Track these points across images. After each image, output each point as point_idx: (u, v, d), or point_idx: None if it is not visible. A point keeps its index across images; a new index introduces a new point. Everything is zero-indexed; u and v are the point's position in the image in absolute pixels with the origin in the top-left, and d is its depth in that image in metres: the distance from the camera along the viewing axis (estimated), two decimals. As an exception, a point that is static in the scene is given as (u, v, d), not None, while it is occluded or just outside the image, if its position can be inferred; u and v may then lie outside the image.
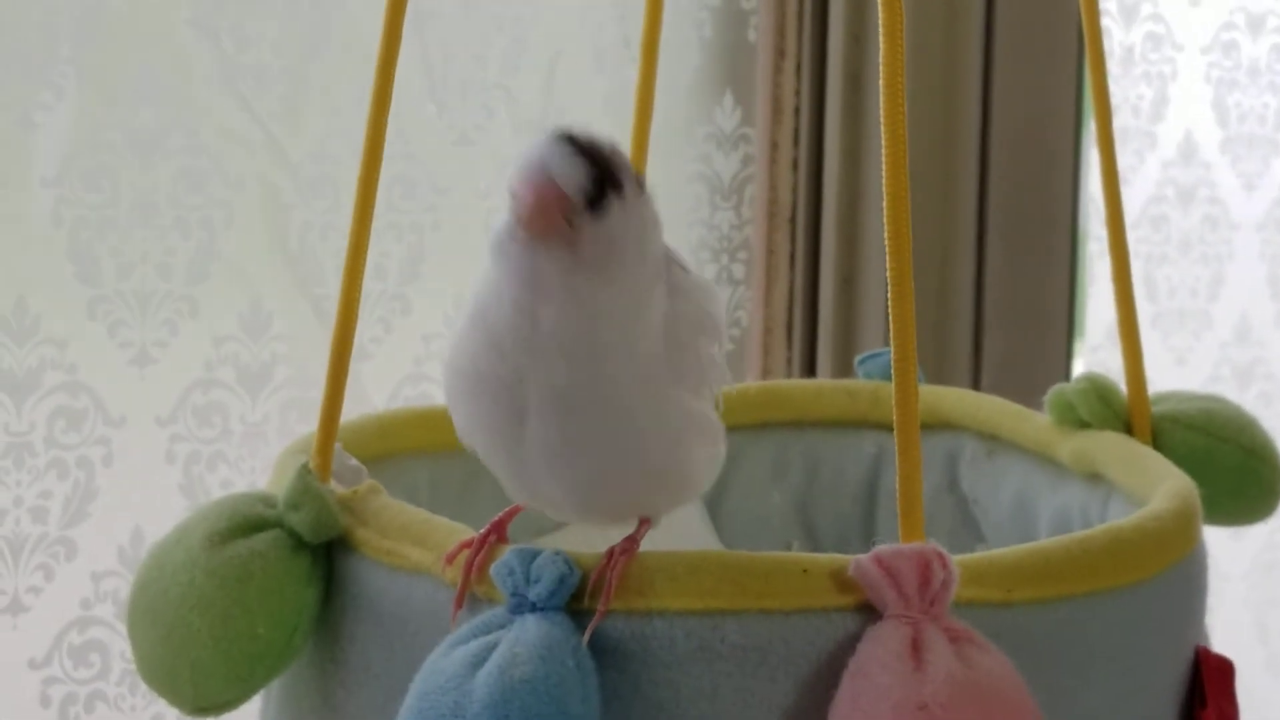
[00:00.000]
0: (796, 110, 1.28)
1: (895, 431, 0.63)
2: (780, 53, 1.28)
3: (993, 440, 0.90)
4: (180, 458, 1.07)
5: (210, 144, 1.06)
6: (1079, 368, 1.36)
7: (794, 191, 1.28)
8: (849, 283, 1.28)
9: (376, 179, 0.73)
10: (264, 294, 1.09)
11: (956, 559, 0.63)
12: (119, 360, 1.05)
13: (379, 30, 0.73)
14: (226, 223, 1.07)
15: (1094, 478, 0.83)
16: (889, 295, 0.64)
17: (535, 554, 0.63)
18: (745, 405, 0.94)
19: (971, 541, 0.90)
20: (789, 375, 1.28)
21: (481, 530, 0.66)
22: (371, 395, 1.12)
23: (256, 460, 1.09)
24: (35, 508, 1.03)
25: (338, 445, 0.74)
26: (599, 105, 1.20)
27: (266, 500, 0.71)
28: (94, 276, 1.03)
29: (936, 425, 0.90)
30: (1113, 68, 1.32)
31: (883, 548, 0.63)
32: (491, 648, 0.61)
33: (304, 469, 0.71)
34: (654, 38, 0.87)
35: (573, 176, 0.61)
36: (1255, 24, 1.45)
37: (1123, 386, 0.85)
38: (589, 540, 0.83)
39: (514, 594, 0.62)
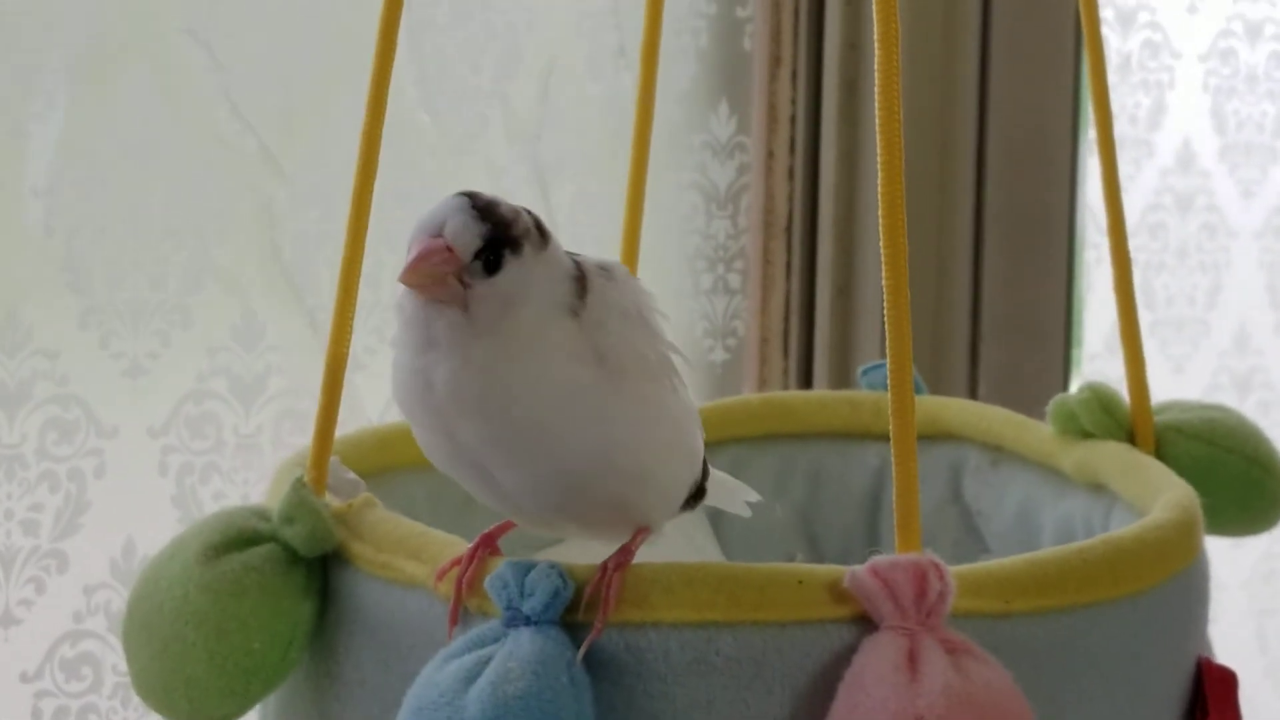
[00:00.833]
0: (792, 119, 1.28)
1: (892, 442, 0.63)
2: (776, 61, 1.28)
3: (996, 451, 0.90)
4: (173, 469, 1.07)
5: (203, 154, 1.06)
6: (1077, 377, 1.36)
7: (790, 200, 1.28)
8: (845, 292, 1.28)
9: (371, 188, 0.73)
10: (257, 304, 1.08)
11: (954, 570, 0.63)
12: (111, 371, 1.04)
13: (373, 39, 0.73)
14: (219, 233, 1.07)
15: (1097, 488, 0.83)
16: (885, 305, 0.63)
17: (529, 567, 0.63)
18: (748, 417, 0.94)
19: (976, 552, 0.90)
20: (785, 386, 1.28)
21: (471, 544, 0.66)
22: (366, 406, 1.12)
23: (250, 472, 1.08)
24: (26, 520, 1.02)
25: (334, 458, 0.73)
26: (594, 114, 1.20)
27: (261, 514, 0.71)
28: (86, 287, 1.03)
29: (939, 436, 0.90)
30: (1110, 76, 1.31)
31: (879, 559, 0.63)
32: (485, 662, 0.61)
33: (299, 482, 0.71)
34: (654, 45, 0.87)
35: (466, 237, 0.61)
36: (1253, 31, 1.45)
37: (1125, 396, 0.85)
38: (584, 553, 0.83)
39: (508, 607, 0.62)
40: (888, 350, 0.63)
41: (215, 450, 1.08)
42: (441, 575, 0.65)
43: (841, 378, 1.26)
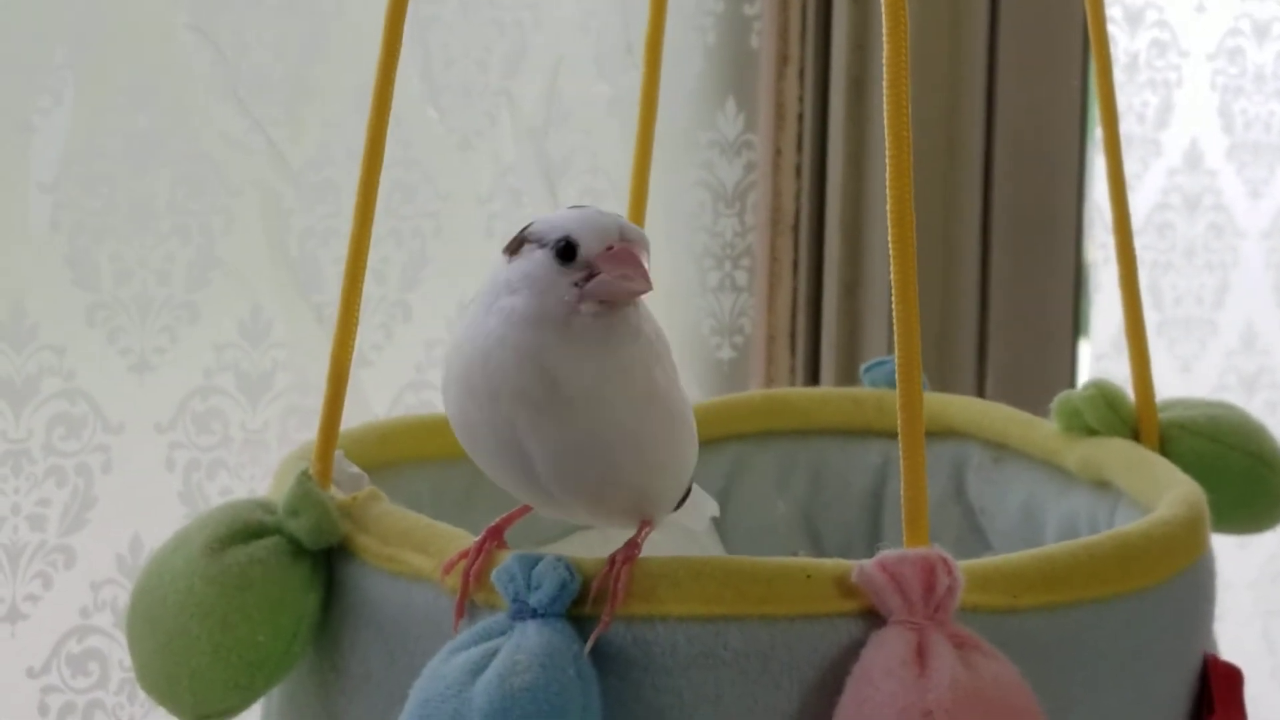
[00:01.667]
0: (800, 117, 1.28)
1: (900, 436, 0.63)
2: (783, 59, 1.28)
3: (999, 448, 0.90)
4: (180, 465, 1.07)
5: (210, 149, 1.06)
6: (1083, 376, 1.35)
7: (797, 198, 1.28)
8: (852, 290, 1.27)
9: (377, 184, 0.73)
10: (264, 300, 1.08)
11: (962, 564, 0.63)
12: (118, 367, 1.04)
13: (379, 35, 0.73)
14: (226, 229, 1.07)
15: (1102, 485, 0.83)
16: (893, 301, 0.63)
17: (536, 560, 0.63)
18: (750, 414, 0.94)
19: (979, 549, 0.90)
20: (792, 383, 1.28)
21: (478, 537, 0.66)
22: (372, 402, 1.12)
23: (256, 468, 1.08)
24: (33, 515, 1.02)
25: (338, 452, 0.74)
26: (601, 111, 1.20)
27: (266, 507, 0.71)
28: (93, 282, 1.03)
29: (943, 433, 0.90)
30: (1118, 75, 1.32)
31: (887, 553, 0.63)
32: (492, 655, 0.61)
33: (304, 475, 0.71)
34: (657, 43, 0.88)
35: (647, 246, 0.63)
36: (1261, 31, 1.45)
37: (1130, 393, 0.85)
38: (590, 547, 0.83)
39: (515, 600, 0.62)
40: (896, 344, 0.63)
41: (222, 446, 1.08)
42: (449, 568, 0.65)
43: (848, 375, 1.26)
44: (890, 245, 0.64)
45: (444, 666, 0.62)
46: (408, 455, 0.84)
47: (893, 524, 0.92)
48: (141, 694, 1.02)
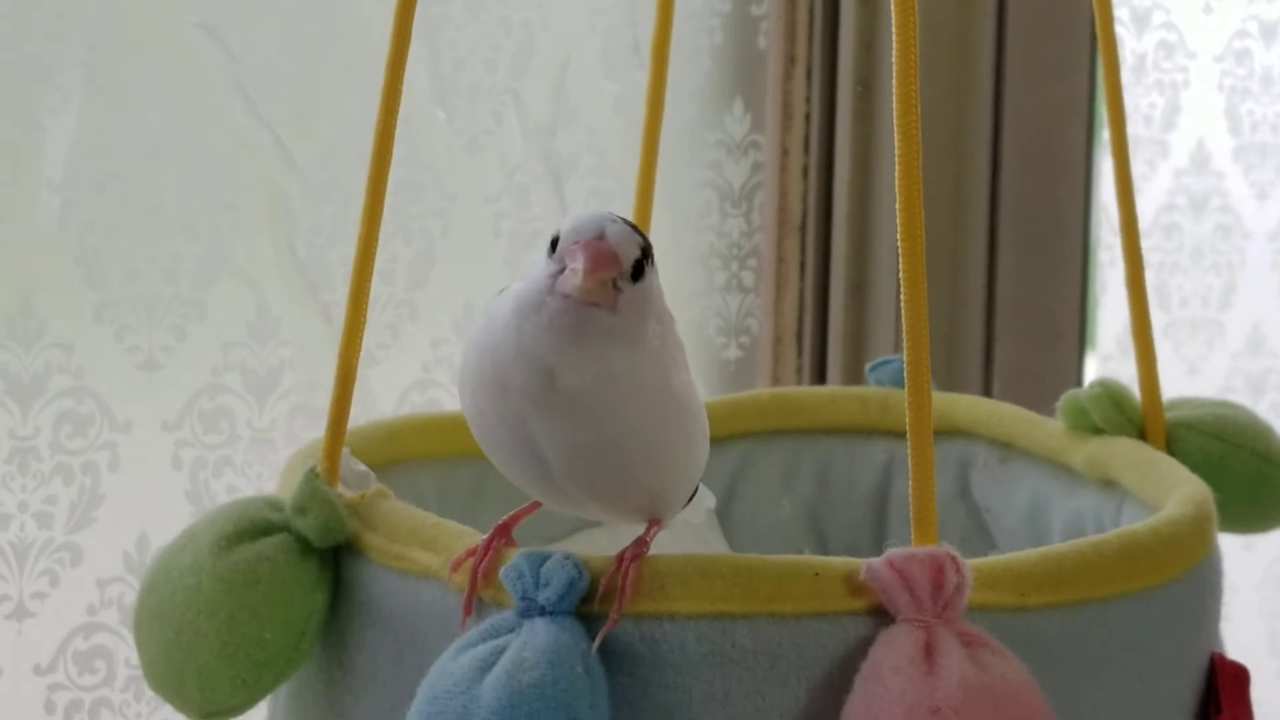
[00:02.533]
0: (807, 117, 1.28)
1: (908, 432, 0.63)
2: (791, 59, 1.28)
3: (1006, 447, 0.89)
4: (187, 463, 1.07)
5: (218, 149, 1.06)
6: (1089, 376, 1.35)
7: (804, 199, 1.28)
8: (859, 290, 1.28)
9: (385, 184, 0.73)
10: (271, 299, 1.09)
11: (970, 563, 0.63)
12: (125, 365, 1.04)
13: (387, 34, 0.73)
14: (234, 228, 1.07)
15: (1108, 484, 0.83)
16: (901, 296, 0.63)
17: (545, 557, 0.63)
18: (756, 413, 0.94)
19: (984, 549, 0.90)
20: (799, 383, 1.28)
21: (486, 535, 0.66)
22: (379, 401, 1.12)
23: (264, 466, 1.08)
24: (40, 513, 1.02)
25: (345, 450, 0.73)
26: (609, 111, 1.20)
27: (274, 505, 0.71)
28: (101, 281, 1.03)
29: (949, 432, 0.90)
30: (1125, 76, 1.32)
31: (895, 551, 0.63)
32: (500, 652, 0.61)
33: (311, 473, 0.71)
34: (664, 43, 0.88)
35: (629, 246, 0.62)
36: (1268, 32, 1.45)
37: (1136, 392, 0.85)
38: (598, 545, 0.83)
39: (523, 598, 0.62)
40: (905, 340, 0.63)
41: (229, 444, 1.08)
42: (456, 566, 0.65)
43: (855, 375, 1.26)
44: (899, 245, 0.64)
45: (451, 664, 0.61)
46: (415, 453, 0.84)
47: (898, 523, 0.92)
48: (148, 692, 1.03)
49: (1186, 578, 0.70)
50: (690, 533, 0.88)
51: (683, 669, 0.62)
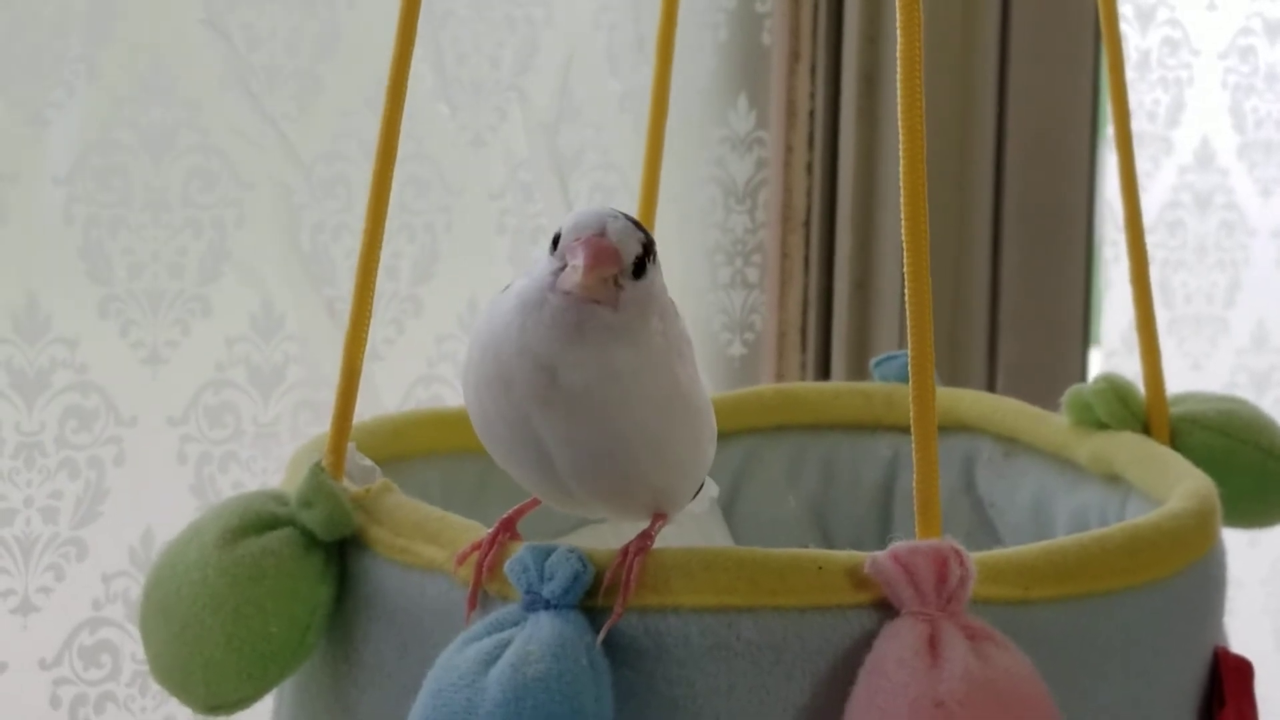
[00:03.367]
0: (811, 114, 1.28)
1: (912, 426, 0.63)
2: (795, 56, 1.28)
3: (1010, 442, 0.89)
4: (192, 458, 1.07)
5: (222, 143, 1.06)
6: (1093, 372, 1.35)
7: (808, 195, 1.28)
8: (863, 286, 1.28)
9: (390, 179, 0.73)
10: (276, 294, 1.09)
11: (974, 556, 0.63)
12: (130, 360, 1.04)
13: (391, 30, 0.73)
14: (238, 222, 1.07)
15: (1112, 479, 0.83)
16: (906, 291, 0.63)
17: (549, 551, 0.63)
18: (761, 408, 0.94)
19: (989, 543, 0.89)
20: (803, 379, 1.28)
21: (491, 528, 0.66)
22: (383, 396, 1.12)
23: (268, 461, 1.08)
24: (46, 508, 1.03)
25: (351, 445, 0.73)
26: (613, 107, 1.20)
27: (279, 499, 0.71)
28: (105, 275, 1.03)
29: (953, 427, 0.90)
30: (1129, 73, 1.32)
31: (899, 544, 0.63)
32: (505, 645, 0.61)
33: (317, 467, 0.71)
34: (669, 39, 0.88)
35: (630, 243, 0.62)
36: (1272, 29, 1.45)
37: (1140, 388, 0.85)
38: (603, 539, 0.83)
39: (528, 591, 0.62)
40: (909, 335, 0.63)
41: (234, 439, 1.08)
42: (462, 559, 0.65)
43: (859, 371, 1.26)
44: (903, 240, 0.64)
45: (457, 657, 0.62)
46: (420, 449, 0.84)
47: (903, 518, 0.92)
48: (153, 686, 1.02)
49: (1190, 571, 0.70)
50: (693, 523, 0.88)
51: (687, 662, 0.62)
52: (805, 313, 1.29)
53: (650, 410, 0.63)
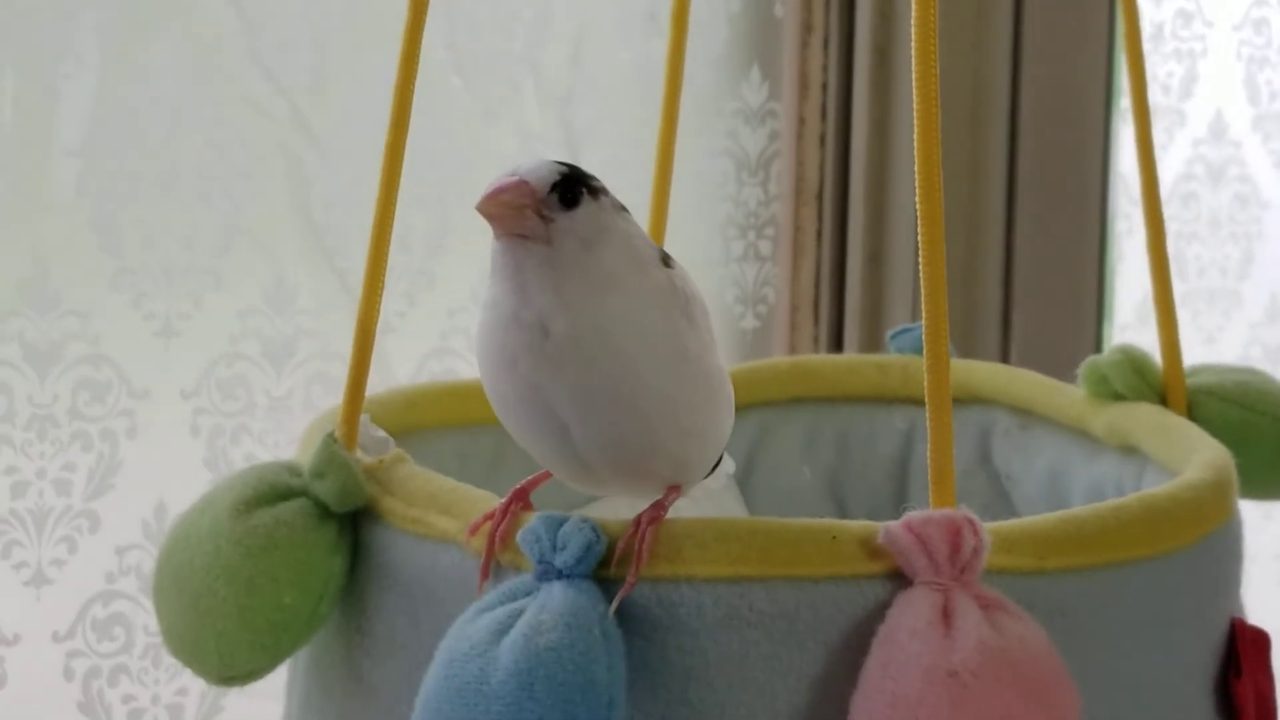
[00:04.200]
0: (824, 86, 1.28)
1: (927, 396, 0.63)
2: (808, 28, 1.28)
3: (1026, 414, 0.89)
4: (204, 431, 1.07)
5: (234, 115, 1.07)
6: (1107, 344, 1.35)
7: (821, 168, 1.28)
8: (876, 259, 1.28)
9: (402, 151, 0.73)
10: (288, 267, 1.09)
11: (988, 526, 0.63)
12: (143, 333, 1.05)
13: (403, 3, 0.72)
14: (250, 195, 1.07)
15: (1128, 450, 0.83)
16: (920, 263, 0.63)
17: (562, 521, 0.63)
18: (776, 381, 0.94)
19: (1005, 515, 0.88)
20: (816, 352, 1.28)
21: (503, 499, 0.66)
22: (396, 369, 1.12)
23: (281, 434, 1.09)
24: (59, 480, 1.03)
25: (364, 416, 0.73)
26: (625, 79, 1.20)
27: (293, 469, 0.71)
28: (117, 248, 1.03)
29: (969, 400, 0.90)
30: (1143, 44, 1.32)
31: (913, 514, 0.62)
32: (517, 615, 0.61)
33: (330, 438, 0.71)
34: (683, 11, 0.88)
35: (541, 172, 0.62)
36: (1287, 1, 1.45)
37: (1157, 359, 0.85)
38: (616, 510, 0.83)
39: (540, 561, 0.62)
40: (924, 304, 0.63)
41: (246, 412, 1.08)
42: (474, 530, 0.65)
43: (872, 344, 1.26)
44: (918, 212, 0.63)
45: (469, 627, 0.62)
46: (434, 421, 0.84)
47: (919, 490, 0.92)
48: (166, 658, 1.03)
49: (1206, 542, 0.70)
50: (709, 498, 0.88)
51: (699, 632, 0.61)
52: (818, 286, 1.29)
53: (653, 362, 0.63)
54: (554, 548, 0.62)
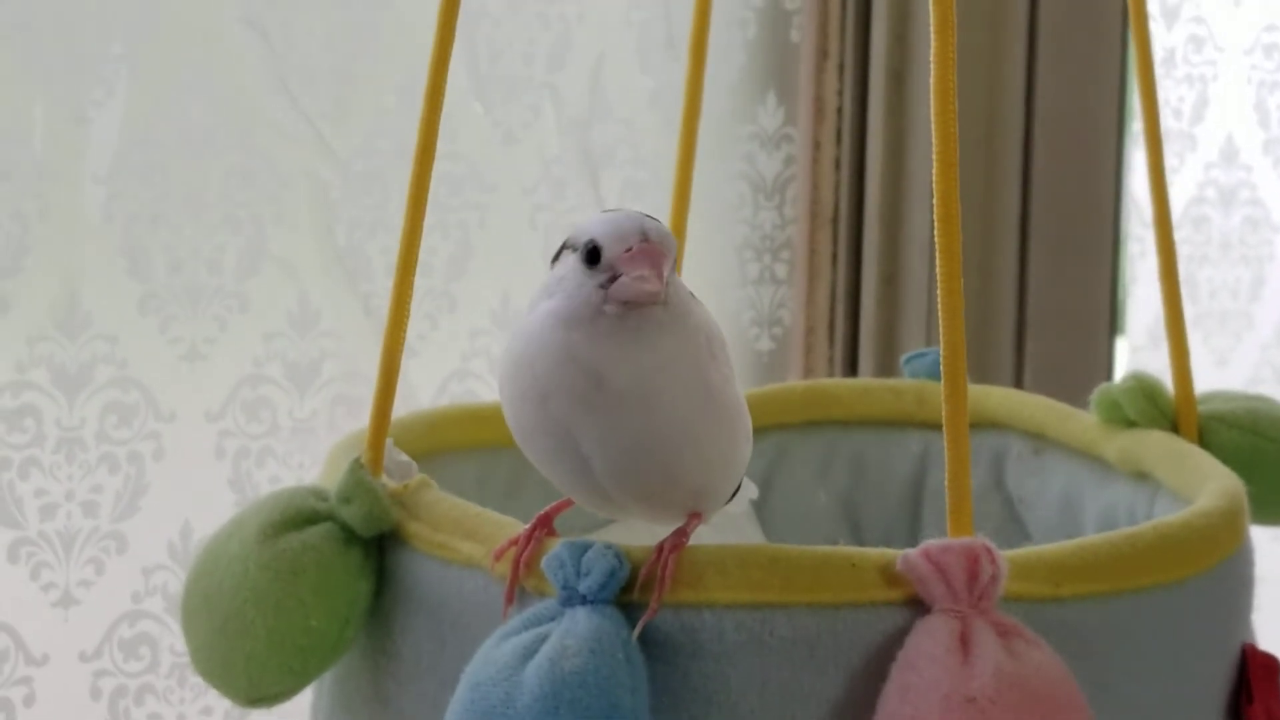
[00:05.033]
0: (839, 110, 1.28)
1: (944, 423, 0.64)
2: (823, 53, 1.28)
3: (1039, 439, 0.90)
4: (229, 453, 1.08)
5: (260, 141, 1.07)
6: (1120, 369, 1.36)
7: (836, 191, 1.29)
8: (891, 282, 1.28)
9: (429, 175, 0.73)
10: (312, 290, 1.09)
11: (1005, 554, 0.63)
12: (169, 356, 1.05)
13: (427, 28, 0.73)
14: (275, 219, 1.08)
15: (1141, 476, 0.83)
16: (938, 287, 0.64)
17: (586, 547, 0.63)
18: (791, 404, 0.94)
19: (1018, 540, 0.90)
20: (831, 375, 1.28)
21: (528, 525, 0.67)
22: (418, 391, 1.13)
23: (304, 456, 1.09)
24: (86, 502, 1.04)
25: (388, 440, 0.74)
26: (644, 104, 1.20)
27: (319, 494, 0.72)
28: (145, 272, 1.04)
29: (983, 424, 0.90)
30: (1155, 70, 1.32)
31: (931, 542, 0.63)
32: (542, 639, 0.62)
33: (356, 463, 0.71)
34: (703, 37, 0.88)
35: (670, 244, 0.63)
36: (1297, 26, 1.45)
37: (1169, 386, 0.85)
38: (637, 535, 0.84)
39: (564, 587, 0.63)
40: (941, 331, 0.64)
41: (270, 434, 1.09)
42: (499, 555, 0.66)
43: (886, 367, 1.26)
44: (935, 237, 0.64)
45: (495, 651, 0.62)
46: (454, 444, 0.84)
47: (933, 514, 0.93)
48: (191, 678, 1.04)
49: (1219, 569, 0.70)
50: (729, 523, 0.88)
51: (721, 657, 0.62)
52: (833, 308, 1.29)
53: (685, 400, 0.64)
54: (578, 573, 0.63)
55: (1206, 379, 1.37)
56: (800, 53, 1.28)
